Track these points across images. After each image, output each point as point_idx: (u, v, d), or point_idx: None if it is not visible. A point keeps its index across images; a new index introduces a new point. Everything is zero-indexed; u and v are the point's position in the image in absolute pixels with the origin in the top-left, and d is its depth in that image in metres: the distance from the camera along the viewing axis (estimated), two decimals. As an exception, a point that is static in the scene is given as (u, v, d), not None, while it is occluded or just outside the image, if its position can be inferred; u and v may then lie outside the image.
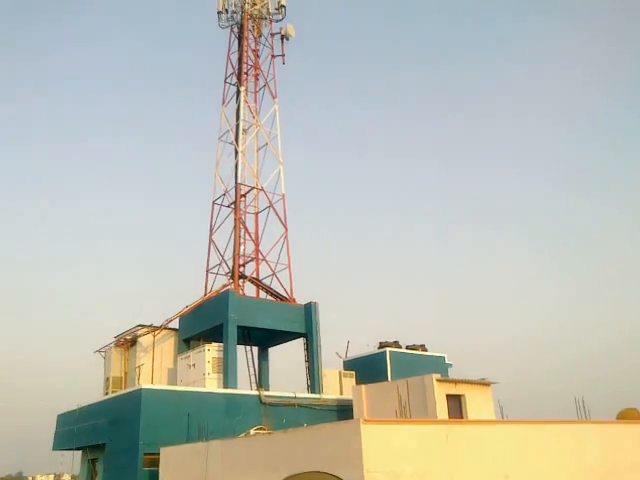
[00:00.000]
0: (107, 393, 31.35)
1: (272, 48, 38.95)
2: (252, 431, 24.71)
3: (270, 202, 34.62)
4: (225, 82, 37.96)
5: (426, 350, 35.13)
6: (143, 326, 31.64)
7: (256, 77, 37.99)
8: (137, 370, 30.64)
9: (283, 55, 39.02)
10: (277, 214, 34.59)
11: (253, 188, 35.06)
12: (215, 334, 29.71)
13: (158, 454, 23.02)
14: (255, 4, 38.97)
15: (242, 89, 36.27)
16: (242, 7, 38.72)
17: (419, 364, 32.34)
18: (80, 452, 31.42)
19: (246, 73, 37.31)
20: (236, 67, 37.78)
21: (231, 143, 36.07)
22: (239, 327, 29.24)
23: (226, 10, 39.21)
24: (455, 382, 23.92)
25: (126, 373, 32.24)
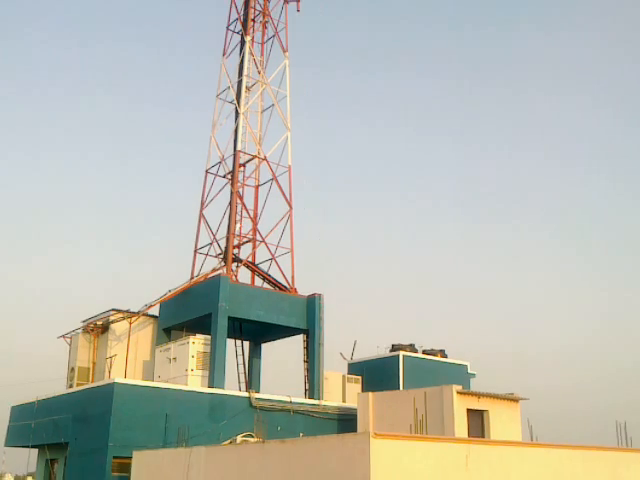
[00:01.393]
0: (71, 385, 31.97)
1: (285, -10, 38.68)
2: (239, 438, 25.37)
3: (274, 174, 34.98)
4: (227, 29, 38.15)
5: (446, 356, 35.49)
6: (118, 311, 32.12)
7: (264, 25, 38.16)
8: (108, 361, 31.23)
9: (298, 0, 38.96)
10: (281, 189, 34.96)
11: (254, 157, 35.40)
12: (201, 325, 30.27)
13: (130, 458, 23.68)
14: None
15: (247, 38, 36.49)
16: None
17: (437, 372, 32.83)
18: (37, 450, 32.11)
19: (253, 20, 37.53)
20: (241, 12, 37.86)
21: (231, 102, 36.39)
22: (230, 318, 29.79)
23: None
24: (478, 395, 24.46)
25: (94, 364, 32.82)
